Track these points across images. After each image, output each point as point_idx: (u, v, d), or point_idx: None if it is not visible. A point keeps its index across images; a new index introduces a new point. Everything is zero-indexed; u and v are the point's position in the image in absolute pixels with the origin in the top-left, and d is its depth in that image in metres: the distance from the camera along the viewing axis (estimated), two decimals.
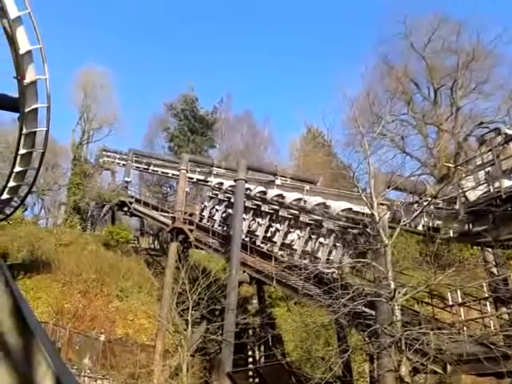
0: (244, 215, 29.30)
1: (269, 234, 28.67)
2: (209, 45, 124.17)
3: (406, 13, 41.43)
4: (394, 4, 71.66)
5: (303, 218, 26.06)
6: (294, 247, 26.42)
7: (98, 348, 27.83)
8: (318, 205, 24.82)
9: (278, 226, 27.94)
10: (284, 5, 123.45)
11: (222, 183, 34.51)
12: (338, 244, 25.01)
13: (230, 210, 32.58)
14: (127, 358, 27.47)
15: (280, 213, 27.73)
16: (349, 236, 24.43)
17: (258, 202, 29.48)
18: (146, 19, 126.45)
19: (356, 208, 21.98)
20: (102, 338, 29.24)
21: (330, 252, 25.04)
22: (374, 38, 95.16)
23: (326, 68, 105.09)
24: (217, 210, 35.28)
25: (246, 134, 69.55)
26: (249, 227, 30.16)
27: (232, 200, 31.66)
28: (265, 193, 29.10)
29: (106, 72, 60.65)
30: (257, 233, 29.34)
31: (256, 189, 29.97)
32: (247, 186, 29.42)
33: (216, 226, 33.95)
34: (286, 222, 27.46)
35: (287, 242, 26.90)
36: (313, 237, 25.74)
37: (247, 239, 29.29)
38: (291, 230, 27.10)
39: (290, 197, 26.79)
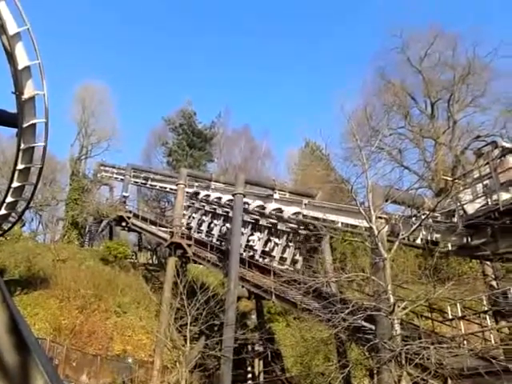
0: (216, 221, 34.66)
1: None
2: (207, 60, 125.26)
3: (402, 27, 41.81)
4: (391, 18, 72.65)
5: (262, 221, 30.14)
6: (255, 248, 29.81)
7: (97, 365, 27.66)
8: (274, 210, 28.42)
9: (242, 229, 29.90)
10: (282, 20, 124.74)
11: (198, 193, 36.86)
12: (290, 244, 29.06)
13: (204, 218, 36.28)
14: (125, 375, 27.25)
15: (244, 218, 30.01)
16: (299, 236, 28.78)
17: (226, 209, 33.39)
18: (144, 36, 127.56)
19: (305, 212, 26.02)
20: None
21: (284, 250, 28.93)
22: (371, 52, 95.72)
23: (324, 83, 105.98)
24: (193, 218, 37.54)
25: (244, 149, 69.77)
26: (220, 232, 33.94)
27: (206, 208, 36.05)
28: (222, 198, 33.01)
29: (105, 87, 61.10)
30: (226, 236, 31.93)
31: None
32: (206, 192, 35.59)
33: (192, 231, 36.14)
34: (250, 226, 31.04)
35: (250, 243, 30.20)
36: (271, 238, 29.40)
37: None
38: (253, 232, 30.72)
39: (253, 204, 29.85)
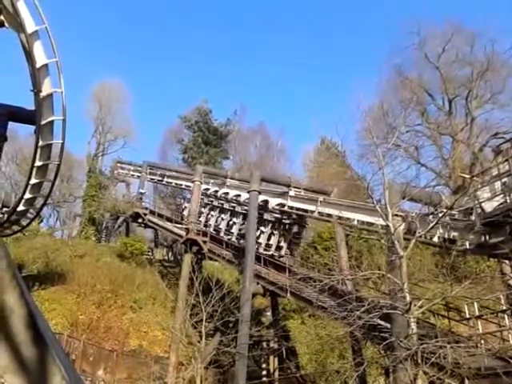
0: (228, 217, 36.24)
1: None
2: (223, 57, 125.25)
3: (420, 23, 41.39)
4: (408, 15, 71.97)
5: None
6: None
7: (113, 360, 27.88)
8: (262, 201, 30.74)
9: (234, 219, 34.50)
10: (297, 17, 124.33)
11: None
12: (275, 232, 31.89)
13: (202, 209, 38.63)
14: (141, 370, 27.44)
15: (236, 209, 34.49)
16: (283, 225, 31.87)
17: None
18: (160, 34, 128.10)
19: (290, 203, 28.49)
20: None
21: (269, 238, 31.80)
22: (388, 49, 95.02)
23: (340, 79, 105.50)
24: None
25: (259, 146, 69.69)
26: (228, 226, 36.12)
27: (205, 200, 38.93)
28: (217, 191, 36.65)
29: (121, 85, 61.57)
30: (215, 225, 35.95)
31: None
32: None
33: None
34: (241, 217, 33.97)
35: (241, 232, 33.13)
36: (259, 227, 31.20)
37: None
38: (245, 222, 32.79)
39: (244, 196, 32.88)
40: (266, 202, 30.75)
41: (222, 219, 36.25)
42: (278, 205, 30.12)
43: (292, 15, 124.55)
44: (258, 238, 31.03)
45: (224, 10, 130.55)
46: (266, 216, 31.80)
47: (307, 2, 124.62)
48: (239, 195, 33.75)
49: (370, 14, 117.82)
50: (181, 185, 45.91)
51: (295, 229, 32.43)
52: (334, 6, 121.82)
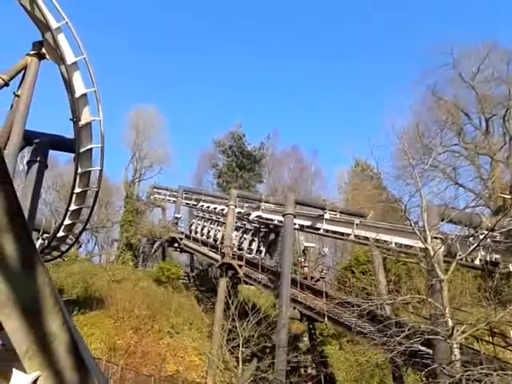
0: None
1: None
2: (256, 81, 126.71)
3: (454, 43, 41.09)
4: (441, 34, 71.51)
5: (238, 223, 39.79)
6: (233, 242, 37.58)
7: None
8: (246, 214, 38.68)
9: (245, 236, 39.97)
10: (328, 40, 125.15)
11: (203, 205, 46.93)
12: (255, 238, 39.15)
13: (205, 224, 45.99)
14: None
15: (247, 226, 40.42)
16: (262, 233, 39.14)
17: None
18: (195, 59, 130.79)
19: (264, 215, 35.53)
20: None
21: (251, 243, 39.21)
22: (422, 69, 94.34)
23: (375, 101, 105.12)
24: (198, 224, 46.63)
25: (293, 169, 69.73)
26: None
27: (207, 216, 45.98)
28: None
29: (156, 111, 62.65)
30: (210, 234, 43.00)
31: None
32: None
33: (192, 233, 46.68)
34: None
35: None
36: (244, 235, 39.73)
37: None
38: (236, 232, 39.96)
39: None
40: (249, 214, 37.44)
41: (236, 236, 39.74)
42: (256, 216, 36.58)
43: (322, 39, 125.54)
44: (241, 243, 38.83)
45: (255, 34, 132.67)
46: (248, 225, 39.35)
47: (336, 26, 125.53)
48: (249, 214, 37.75)
49: (400, 33, 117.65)
50: (215, 208, 46.29)
51: (272, 236, 39.25)
52: (369, 31, 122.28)
